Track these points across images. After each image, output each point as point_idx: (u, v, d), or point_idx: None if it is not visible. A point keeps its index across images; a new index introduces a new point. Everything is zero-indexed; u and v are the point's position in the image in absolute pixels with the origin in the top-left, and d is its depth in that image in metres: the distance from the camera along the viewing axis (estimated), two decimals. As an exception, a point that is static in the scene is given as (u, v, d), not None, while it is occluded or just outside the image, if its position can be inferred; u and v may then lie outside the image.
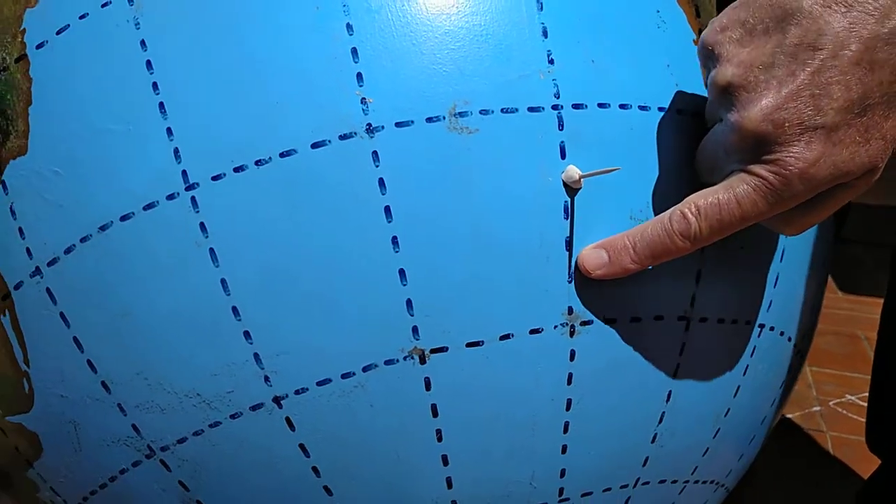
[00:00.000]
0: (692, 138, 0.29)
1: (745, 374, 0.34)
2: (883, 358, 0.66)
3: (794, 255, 0.35)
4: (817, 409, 1.08)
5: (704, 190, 0.27)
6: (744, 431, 0.37)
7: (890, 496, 0.67)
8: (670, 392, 0.32)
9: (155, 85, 0.27)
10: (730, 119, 0.26)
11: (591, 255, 0.28)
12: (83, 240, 0.28)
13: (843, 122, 0.25)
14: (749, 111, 0.25)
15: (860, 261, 1.81)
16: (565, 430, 0.30)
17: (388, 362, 0.27)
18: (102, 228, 0.27)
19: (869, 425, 0.71)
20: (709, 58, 0.27)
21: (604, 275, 0.28)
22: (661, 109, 0.29)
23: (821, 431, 1.01)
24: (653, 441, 0.32)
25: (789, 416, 1.04)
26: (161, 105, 0.27)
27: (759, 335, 0.34)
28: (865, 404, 1.08)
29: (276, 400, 0.28)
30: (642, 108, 0.29)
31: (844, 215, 1.98)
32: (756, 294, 0.33)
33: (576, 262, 0.28)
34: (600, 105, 0.28)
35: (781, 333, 0.36)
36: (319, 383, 0.28)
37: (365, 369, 0.27)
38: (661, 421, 0.32)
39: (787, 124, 0.25)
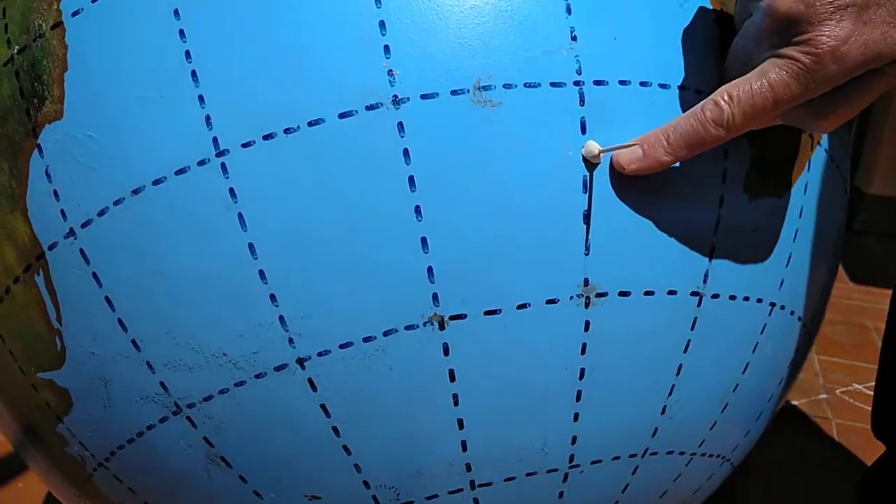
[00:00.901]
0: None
1: (754, 351, 0.35)
2: (891, 344, 0.66)
3: (806, 236, 0.36)
4: (824, 396, 1.08)
5: (737, 79, 0.27)
6: (751, 408, 0.38)
7: (892, 483, 0.68)
8: (681, 365, 0.33)
9: (188, 53, 0.28)
10: (762, 5, 0.27)
11: (626, 151, 0.28)
12: (116, 202, 0.29)
13: (874, 2, 0.25)
14: None
15: (872, 252, 1.80)
16: (578, 399, 0.31)
17: (408, 327, 0.28)
18: (135, 192, 0.28)
19: (875, 411, 0.72)
20: None
21: (637, 169, 0.28)
22: (681, 88, 0.30)
23: (826, 418, 1.02)
24: (662, 413, 0.33)
25: (795, 402, 1.05)
26: (193, 73, 0.28)
27: (769, 313, 0.35)
28: (872, 393, 1.08)
29: (300, 361, 0.29)
30: (662, 86, 0.29)
31: (857, 207, 1.97)
32: (768, 272, 0.34)
33: (595, 241, 0.29)
34: (621, 82, 0.29)
35: (792, 313, 0.37)
36: (342, 346, 0.29)
37: (386, 334, 0.28)
38: (671, 393, 0.33)
39: (817, 3, 0.25)
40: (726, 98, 0.27)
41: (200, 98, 0.27)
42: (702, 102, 0.28)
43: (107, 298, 0.30)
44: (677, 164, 0.29)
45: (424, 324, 0.28)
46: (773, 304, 0.35)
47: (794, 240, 0.35)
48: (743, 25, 0.28)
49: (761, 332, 0.35)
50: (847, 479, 0.85)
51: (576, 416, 0.31)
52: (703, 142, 0.28)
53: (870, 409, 0.92)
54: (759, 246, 0.33)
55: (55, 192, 0.30)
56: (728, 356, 0.34)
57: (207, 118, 0.27)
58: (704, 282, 0.32)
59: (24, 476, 0.84)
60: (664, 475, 0.36)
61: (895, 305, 0.65)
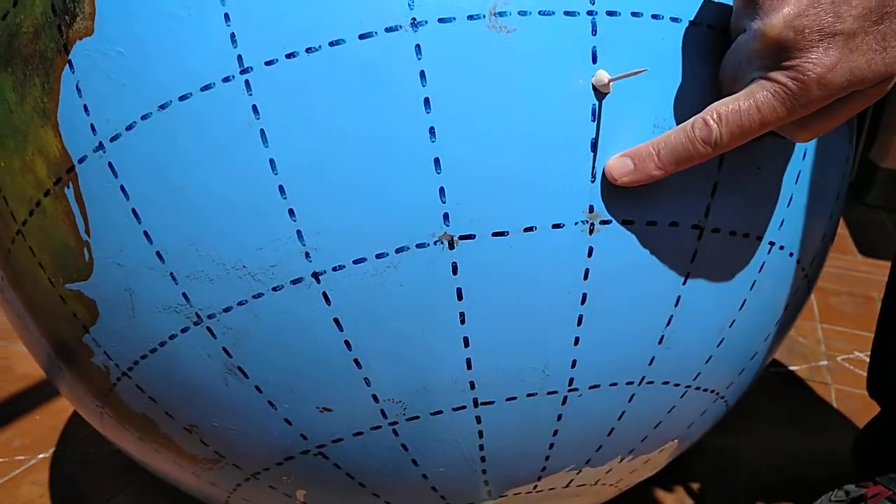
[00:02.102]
0: (719, 53, 0.31)
1: (752, 288, 0.36)
2: (890, 304, 0.67)
3: (808, 179, 0.37)
4: (825, 363, 1.10)
5: (726, 98, 0.28)
6: (746, 345, 0.39)
7: (887, 440, 0.70)
8: (679, 297, 0.34)
9: (215, -27, 0.29)
10: (753, 27, 0.28)
11: (618, 163, 0.30)
12: (144, 117, 0.30)
13: (861, 30, 0.26)
14: (771, 18, 0.27)
15: (883, 226, 1.80)
16: (579, 323, 0.32)
17: (419, 245, 0.30)
18: (162, 107, 0.30)
19: (871, 371, 0.73)
20: None
21: (629, 181, 0.30)
22: (692, 23, 0.31)
23: (825, 384, 1.03)
24: (660, 342, 0.35)
25: (795, 368, 1.07)
26: (220, -7, 0.29)
27: (768, 252, 0.36)
28: (872, 360, 1.09)
29: (315, 275, 0.30)
30: (674, 19, 0.30)
31: (871, 182, 1.96)
32: (769, 211, 0.35)
33: (602, 169, 0.30)
34: (633, 13, 0.30)
35: (791, 254, 0.38)
36: (355, 262, 0.30)
37: (398, 251, 0.30)
38: (669, 323, 0.34)
39: (807, 30, 0.26)
40: (715, 117, 0.28)
41: (226, 16, 0.29)
42: (692, 120, 0.29)
43: (133, 211, 0.31)
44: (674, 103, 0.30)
45: (435, 242, 0.30)
46: (772, 244, 0.36)
47: (796, 181, 0.36)
48: (735, 41, 0.29)
49: (759, 271, 0.36)
50: (844, 442, 0.87)
51: (576, 340, 0.33)
52: (691, 158, 0.29)
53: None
54: (761, 185, 0.34)
55: (85, 107, 0.31)
56: (726, 291, 0.35)
57: (232, 36, 0.29)
58: (706, 216, 0.33)
59: (40, 408, 0.87)
60: (659, 406, 0.38)
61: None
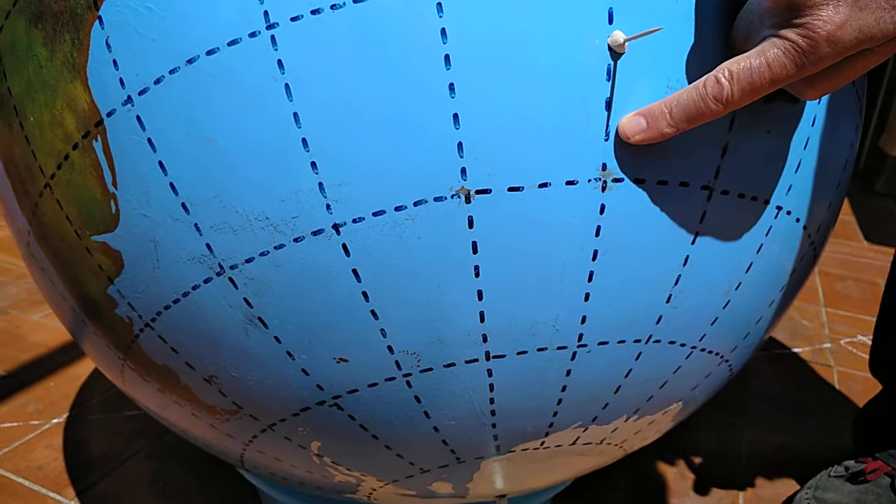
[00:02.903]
0: (732, 14, 0.31)
1: (758, 251, 0.37)
2: (893, 283, 0.68)
3: (817, 145, 0.37)
4: (828, 346, 1.11)
5: (737, 56, 0.29)
6: (752, 309, 0.40)
7: (887, 417, 0.71)
8: (688, 257, 0.35)
9: (242, -70, 0.29)
10: None
11: (631, 121, 0.31)
12: (172, 71, 0.31)
13: None
14: None
15: (890, 214, 1.80)
16: (590, 279, 0.33)
17: (437, 199, 0.31)
18: (190, 61, 0.30)
19: (873, 350, 0.74)
20: None
21: (642, 139, 0.31)
22: (705, -14, 0.31)
23: (828, 366, 1.04)
24: (667, 301, 0.36)
25: (799, 350, 1.07)
26: (247, -51, 0.30)
27: (775, 216, 0.37)
28: (875, 343, 1.10)
29: (335, 227, 0.31)
30: (688, -18, 0.31)
31: (880, 169, 1.96)
32: (776, 175, 0.36)
33: (616, 128, 0.31)
34: (649, -25, 0.30)
35: (797, 220, 0.39)
36: (375, 214, 0.31)
37: (416, 204, 0.31)
38: (677, 282, 0.35)
39: None
40: (727, 75, 0.29)
41: (253, -28, 0.29)
42: (704, 78, 0.30)
43: (160, 163, 0.32)
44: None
45: (452, 196, 0.31)
46: (779, 208, 0.37)
47: (804, 147, 0.36)
48: (748, 1, 0.30)
49: (766, 234, 0.37)
50: (844, 421, 0.88)
51: (587, 296, 0.34)
52: (703, 115, 0.30)
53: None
54: (770, 148, 0.35)
55: (114, 62, 0.32)
56: (733, 253, 0.36)
57: (259, -8, 0.29)
58: (716, 177, 0.34)
59: (53, 375, 0.89)
60: (665, 365, 0.39)
61: None
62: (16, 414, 0.81)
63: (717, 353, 0.41)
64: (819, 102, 0.36)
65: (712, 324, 0.38)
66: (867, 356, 1.06)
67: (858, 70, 0.29)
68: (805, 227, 0.39)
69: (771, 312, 0.42)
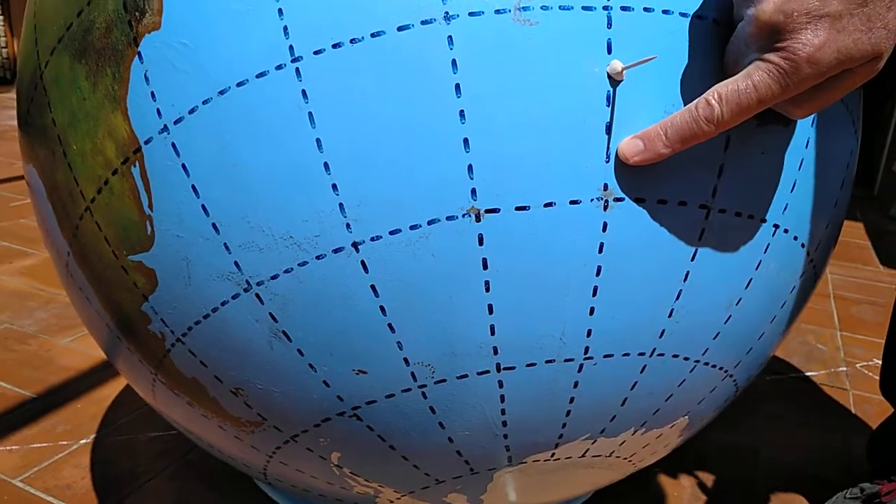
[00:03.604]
0: (723, 45, 0.34)
1: (757, 268, 0.39)
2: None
3: (812, 167, 0.39)
4: (843, 369, 1.11)
5: (726, 80, 0.31)
6: (753, 324, 0.41)
7: (900, 438, 0.71)
8: (688, 273, 0.37)
9: (270, -26, 0.32)
10: (748, 13, 0.31)
11: (629, 144, 0.33)
12: (205, 102, 0.34)
13: (847, 12, 0.29)
14: (763, 4, 0.30)
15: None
16: (594, 294, 0.35)
17: (449, 218, 0.33)
18: (221, 93, 0.33)
19: (883, 371, 0.74)
20: None
21: (640, 160, 0.33)
22: (699, 17, 0.34)
23: (844, 389, 1.04)
24: (669, 315, 0.37)
25: (814, 373, 1.08)
26: (274, -9, 0.32)
27: (772, 234, 0.39)
28: (892, 368, 1.10)
29: (355, 245, 0.34)
30: (682, 14, 0.33)
31: (894, 195, 1.96)
32: (772, 195, 0.37)
33: (616, 150, 0.33)
34: (645, 9, 0.33)
35: (795, 238, 0.40)
36: (391, 232, 0.33)
37: (429, 223, 0.33)
38: (678, 297, 0.37)
39: (795, 14, 0.29)
40: (716, 97, 0.31)
41: (280, 11, 0.32)
42: (695, 101, 0.32)
43: (193, 187, 0.35)
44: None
45: (463, 215, 0.33)
46: (776, 226, 0.39)
47: (799, 168, 0.38)
48: (737, 28, 0.32)
49: (764, 251, 0.39)
50: (860, 443, 0.88)
51: (591, 311, 0.36)
52: (696, 136, 0.32)
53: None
54: (765, 169, 0.37)
55: (152, 94, 0.35)
56: (732, 269, 0.38)
57: (285, 28, 0.32)
58: (713, 196, 0.36)
59: (81, 398, 0.91)
60: (670, 378, 0.40)
61: None
62: (45, 435, 0.83)
63: (720, 368, 0.42)
64: (812, 125, 0.38)
65: (714, 338, 0.40)
66: (883, 379, 1.06)
67: (842, 90, 0.31)
68: (803, 245, 0.41)
69: (773, 328, 0.44)
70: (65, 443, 0.81)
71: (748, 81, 0.31)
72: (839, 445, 0.88)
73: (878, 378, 1.07)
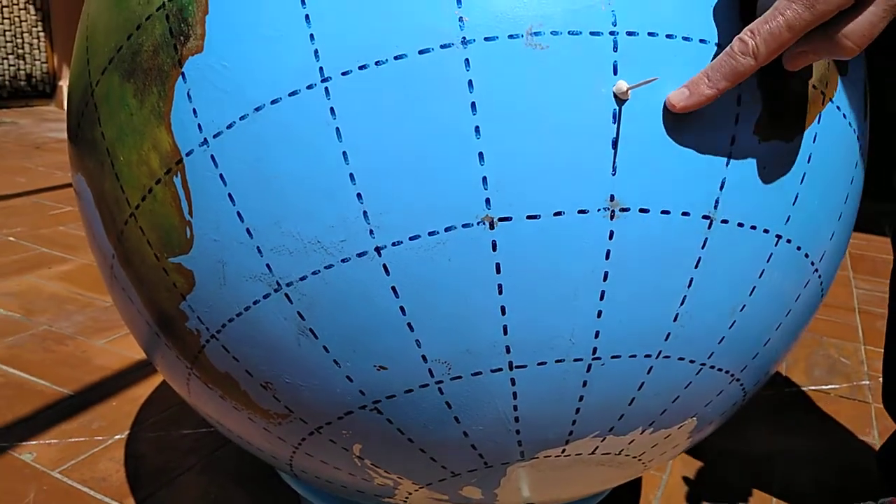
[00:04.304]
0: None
1: (760, 276, 0.41)
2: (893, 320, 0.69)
3: (814, 181, 0.41)
4: (866, 382, 1.11)
5: (759, 18, 0.33)
6: (758, 331, 0.43)
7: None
8: (692, 279, 0.39)
9: (303, 1, 0.35)
10: None
11: (676, 93, 0.35)
12: (242, 118, 0.37)
13: None
14: None
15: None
16: (601, 298, 0.37)
17: (465, 225, 0.35)
18: (257, 109, 0.36)
19: (885, 387, 0.75)
20: None
21: (686, 105, 0.34)
22: (701, 41, 0.36)
23: (866, 402, 1.04)
24: (675, 319, 0.39)
25: (836, 386, 1.08)
26: (306, 17, 0.35)
27: (775, 244, 0.40)
28: (916, 383, 1.10)
29: (377, 249, 0.36)
30: (685, 38, 0.36)
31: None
32: (774, 207, 0.39)
33: (622, 163, 0.35)
34: (650, 34, 0.35)
35: (798, 248, 0.42)
36: (411, 238, 0.36)
37: (447, 230, 0.36)
38: (682, 303, 0.39)
39: None
40: (749, 34, 0.33)
41: (311, 36, 0.35)
42: (732, 42, 0.34)
43: (229, 195, 0.38)
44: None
45: (478, 223, 0.35)
46: (779, 237, 0.40)
47: (801, 182, 0.40)
48: None
49: (767, 260, 0.41)
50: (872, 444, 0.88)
51: (599, 313, 0.38)
52: (736, 72, 0.34)
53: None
54: (767, 182, 0.39)
55: (194, 110, 0.38)
56: (735, 277, 0.40)
57: (316, 52, 0.35)
58: (715, 207, 0.38)
59: (116, 396, 0.95)
60: (676, 380, 0.42)
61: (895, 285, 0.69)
62: (82, 430, 0.87)
63: (727, 372, 0.44)
64: (814, 142, 0.40)
65: (720, 343, 0.42)
66: (905, 392, 1.06)
67: (885, 11, 0.31)
68: (807, 256, 0.43)
69: (779, 336, 0.45)
70: (100, 438, 0.85)
71: (776, 12, 0.32)
72: (858, 459, 0.89)
73: (900, 391, 1.06)
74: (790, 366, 1.14)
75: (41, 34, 3.30)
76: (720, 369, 0.43)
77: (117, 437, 0.86)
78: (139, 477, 0.79)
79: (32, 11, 3.25)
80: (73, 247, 1.51)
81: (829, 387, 1.08)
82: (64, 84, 3.33)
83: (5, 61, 3.17)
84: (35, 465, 0.80)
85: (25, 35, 3.24)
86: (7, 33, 3.16)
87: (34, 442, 0.84)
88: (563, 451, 0.44)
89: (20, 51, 3.22)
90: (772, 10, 0.33)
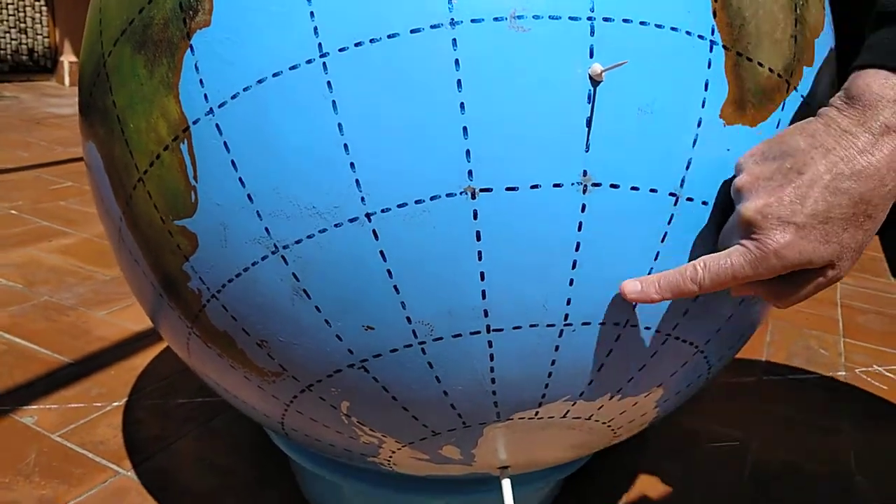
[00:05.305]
0: (688, 53, 0.39)
1: (724, 253, 0.44)
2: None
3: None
4: (842, 373, 1.14)
5: (714, 253, 0.39)
6: (720, 304, 0.46)
7: None
8: (658, 252, 0.42)
9: (305, -18, 0.38)
10: (738, 208, 0.39)
11: (631, 283, 0.41)
12: (245, 89, 0.39)
13: (809, 224, 0.36)
14: (748, 203, 0.38)
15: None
16: (573, 267, 0.40)
17: (448, 195, 0.38)
18: (259, 81, 0.39)
19: None
20: (737, 168, 0.40)
21: (635, 298, 0.41)
22: (672, 29, 0.39)
23: (840, 392, 1.07)
24: (642, 290, 0.42)
25: (812, 376, 1.11)
26: (307, -3, 0.38)
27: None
28: (891, 375, 1.14)
29: (367, 216, 0.39)
30: (658, 25, 0.38)
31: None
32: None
33: (595, 142, 0.38)
34: (624, 20, 0.38)
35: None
36: (399, 206, 0.39)
37: (432, 198, 0.38)
38: (649, 273, 0.42)
39: (770, 216, 0.37)
40: (702, 265, 0.39)
41: (311, 14, 0.38)
42: (688, 264, 0.40)
43: (232, 162, 0.41)
44: (664, 93, 0.38)
45: (461, 193, 0.38)
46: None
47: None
48: (730, 217, 0.40)
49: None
50: (848, 443, 0.92)
51: (571, 282, 0.41)
52: (682, 291, 0.40)
53: (885, 388, 0.98)
54: (730, 164, 0.42)
55: (201, 81, 0.41)
56: (699, 252, 0.43)
57: (315, 29, 0.38)
58: (681, 186, 0.41)
59: (114, 365, 0.98)
60: (642, 349, 0.45)
61: None
62: (81, 396, 0.90)
63: (691, 343, 0.47)
64: (777, 127, 0.43)
65: (684, 314, 0.45)
66: (880, 384, 1.10)
67: (813, 287, 0.39)
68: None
69: (742, 312, 0.48)
70: (99, 405, 0.88)
71: (728, 259, 0.38)
72: (828, 444, 0.92)
73: (876, 383, 1.10)
74: (771, 354, 1.17)
75: (43, 9, 3.31)
76: (685, 340, 0.47)
77: (115, 403, 0.89)
78: (136, 442, 0.82)
79: (35, -13, 3.26)
80: (73, 221, 1.54)
81: (806, 376, 1.11)
82: (65, 59, 3.34)
83: (7, 35, 3.18)
84: (36, 427, 0.83)
85: (28, 9, 3.25)
86: (10, 5, 3.17)
87: (35, 406, 0.87)
88: (537, 413, 0.47)
89: (22, 24, 3.23)
90: (726, 253, 0.39)
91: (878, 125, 0.35)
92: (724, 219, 0.43)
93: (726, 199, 0.42)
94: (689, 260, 0.43)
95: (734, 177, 0.40)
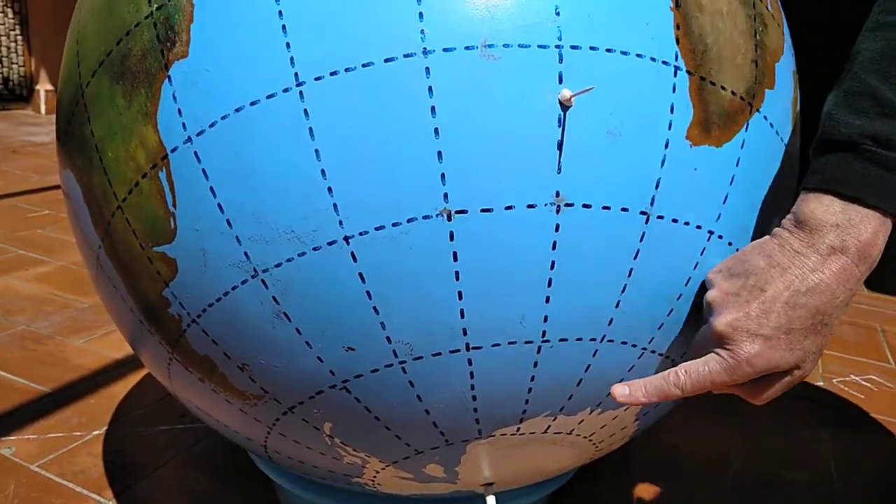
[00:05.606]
0: (652, 80, 0.40)
1: (695, 268, 0.45)
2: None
3: (743, 183, 0.45)
4: (820, 384, 1.16)
5: (694, 360, 0.43)
6: (694, 319, 0.47)
7: None
8: (631, 269, 0.43)
9: (280, 13, 0.39)
10: (710, 321, 0.42)
11: (620, 386, 0.44)
12: (223, 118, 0.40)
13: (775, 336, 0.40)
14: (719, 319, 0.42)
15: (892, 264, 1.85)
16: (549, 285, 0.41)
17: (425, 217, 0.39)
18: (237, 110, 0.40)
19: None
20: (707, 283, 0.44)
21: (624, 401, 0.44)
22: (637, 56, 0.40)
23: (818, 402, 1.09)
24: (616, 306, 0.43)
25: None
26: (283, 27, 0.39)
27: (707, 239, 0.45)
28: (867, 384, 1.16)
29: (346, 239, 0.40)
30: (624, 52, 0.40)
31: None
32: (706, 205, 0.44)
33: (566, 165, 0.40)
34: (591, 48, 0.39)
35: (730, 244, 0.46)
36: (376, 228, 0.40)
37: (408, 221, 0.39)
38: (623, 290, 0.43)
39: (740, 330, 0.41)
40: (683, 372, 0.43)
41: (287, 44, 0.39)
42: (671, 370, 0.43)
43: (211, 188, 0.41)
44: (630, 117, 0.40)
45: (437, 215, 0.39)
46: (711, 233, 0.45)
47: (730, 183, 0.45)
48: (701, 329, 0.44)
49: (701, 254, 0.45)
50: (828, 451, 0.93)
51: (547, 299, 0.42)
52: (666, 395, 0.43)
53: (862, 396, 1.00)
54: (698, 183, 0.43)
55: (179, 110, 0.41)
56: (671, 268, 0.44)
57: (291, 59, 0.39)
58: (651, 204, 0.42)
59: (94, 394, 0.97)
60: (620, 363, 0.46)
61: None
62: (61, 426, 0.89)
63: (667, 356, 0.48)
64: (742, 147, 0.45)
65: (659, 328, 0.46)
66: (856, 393, 1.12)
67: (782, 386, 0.43)
68: (738, 250, 0.47)
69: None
70: (79, 433, 0.87)
71: (706, 366, 0.42)
72: (808, 453, 0.93)
73: (853, 392, 1.12)
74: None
75: (19, 38, 3.29)
76: (661, 354, 0.48)
77: (95, 432, 0.88)
78: (117, 470, 0.81)
79: (10, 15, 3.25)
80: (50, 249, 1.53)
81: (785, 387, 1.13)
82: (41, 88, 3.33)
83: (-17, 65, 3.16)
84: (14, 459, 0.82)
85: (3, 39, 3.24)
86: (-15, 37, 3.16)
87: (13, 437, 0.86)
88: (518, 429, 0.48)
89: (-3, 54, 3.21)
90: (704, 360, 0.42)
91: (824, 247, 0.40)
92: (695, 236, 0.44)
93: (698, 216, 0.43)
94: (663, 277, 0.44)
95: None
